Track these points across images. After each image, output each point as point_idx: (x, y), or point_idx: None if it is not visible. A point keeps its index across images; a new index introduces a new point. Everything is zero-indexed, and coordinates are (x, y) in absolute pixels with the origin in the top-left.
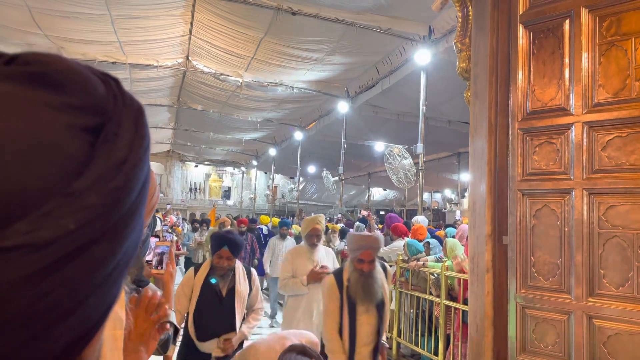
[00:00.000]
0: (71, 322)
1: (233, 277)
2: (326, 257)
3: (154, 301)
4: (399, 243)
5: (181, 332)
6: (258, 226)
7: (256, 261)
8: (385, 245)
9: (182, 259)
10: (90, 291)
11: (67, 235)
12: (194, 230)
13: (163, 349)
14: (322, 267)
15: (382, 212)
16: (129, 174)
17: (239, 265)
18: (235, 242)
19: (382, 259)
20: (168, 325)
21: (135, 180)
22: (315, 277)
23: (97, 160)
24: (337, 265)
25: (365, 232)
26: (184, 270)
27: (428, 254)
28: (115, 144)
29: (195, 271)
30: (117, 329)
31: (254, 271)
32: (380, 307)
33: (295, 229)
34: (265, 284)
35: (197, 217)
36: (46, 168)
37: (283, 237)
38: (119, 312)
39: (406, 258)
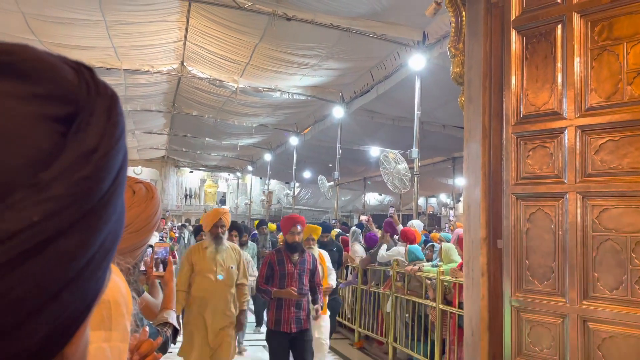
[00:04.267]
0: (45, 317)
1: None
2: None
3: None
4: (401, 248)
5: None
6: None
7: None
8: (388, 250)
9: None
10: (63, 285)
11: (30, 227)
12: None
13: (162, 350)
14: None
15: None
16: (99, 163)
17: None
18: None
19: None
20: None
21: (107, 170)
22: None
23: (67, 150)
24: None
25: None
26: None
27: (431, 258)
28: (86, 133)
29: None
30: (123, 342)
31: None
32: None
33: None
34: None
35: (194, 222)
36: (10, 160)
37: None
38: (126, 324)
39: (406, 263)
